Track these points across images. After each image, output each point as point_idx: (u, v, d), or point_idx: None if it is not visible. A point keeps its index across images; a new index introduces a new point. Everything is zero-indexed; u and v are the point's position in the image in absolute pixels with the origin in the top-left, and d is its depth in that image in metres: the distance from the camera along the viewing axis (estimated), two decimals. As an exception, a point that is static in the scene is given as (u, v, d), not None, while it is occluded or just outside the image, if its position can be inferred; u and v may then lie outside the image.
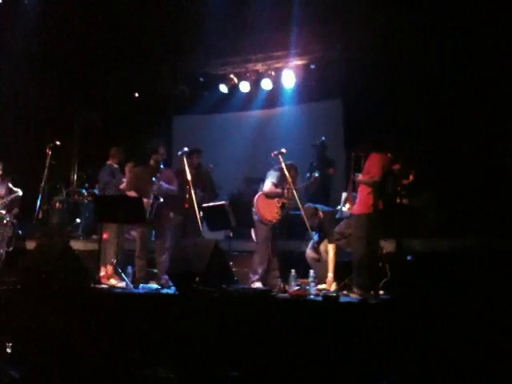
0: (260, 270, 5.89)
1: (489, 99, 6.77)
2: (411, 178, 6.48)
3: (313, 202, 6.16)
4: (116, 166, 6.70)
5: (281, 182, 6.05)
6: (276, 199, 6.00)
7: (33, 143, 8.01)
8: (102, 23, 8.36)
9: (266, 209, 6.00)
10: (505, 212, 6.12)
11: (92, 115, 9.90)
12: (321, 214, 5.93)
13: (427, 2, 6.78)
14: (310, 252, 6.00)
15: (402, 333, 3.87)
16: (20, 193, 7.27)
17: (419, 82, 7.27)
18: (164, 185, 6.07)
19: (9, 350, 4.54)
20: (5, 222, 7.34)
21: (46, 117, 9.14)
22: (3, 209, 7.14)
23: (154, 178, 6.00)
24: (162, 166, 6.16)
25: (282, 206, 5.97)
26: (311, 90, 8.90)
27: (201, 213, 6.09)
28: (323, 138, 7.60)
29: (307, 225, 5.73)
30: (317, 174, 6.31)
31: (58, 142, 6.51)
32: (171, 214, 6.19)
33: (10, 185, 7.28)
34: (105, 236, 6.28)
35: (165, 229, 6.10)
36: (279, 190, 6.02)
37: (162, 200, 5.93)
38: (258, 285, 5.80)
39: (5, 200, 7.18)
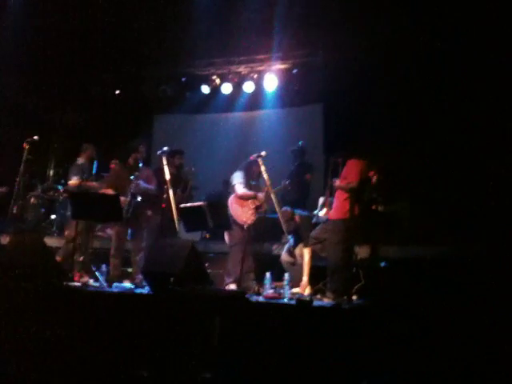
0: (234, 272, 5.91)
1: (469, 104, 6.84)
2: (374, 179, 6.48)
3: (290, 206, 6.19)
4: (84, 162, 6.60)
5: (247, 180, 6.11)
6: (250, 201, 6.03)
7: (10, 138, 7.89)
8: (85, 23, 8.28)
9: (240, 210, 6.02)
10: (478, 219, 6.22)
11: (71, 114, 9.82)
12: (297, 218, 5.97)
13: (410, 7, 6.83)
14: (285, 255, 6.02)
15: (375, 337, 3.90)
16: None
17: (400, 88, 7.35)
18: (142, 183, 6.05)
19: None
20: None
21: (24, 112, 9.03)
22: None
23: (132, 177, 5.98)
24: (140, 165, 6.14)
25: (257, 208, 6.00)
26: (293, 95, 8.95)
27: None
28: (300, 143, 7.62)
29: (283, 228, 5.76)
30: (287, 182, 6.33)
31: (35, 137, 6.43)
32: (149, 213, 6.17)
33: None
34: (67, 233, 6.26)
35: (142, 228, 6.08)
36: (251, 193, 6.05)
37: (139, 199, 5.91)
38: (232, 287, 5.81)
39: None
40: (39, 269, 5.22)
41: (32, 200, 7.95)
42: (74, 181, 6.40)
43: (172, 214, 5.89)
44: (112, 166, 6.50)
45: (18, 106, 8.99)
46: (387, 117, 7.30)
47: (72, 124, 10.01)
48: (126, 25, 8.28)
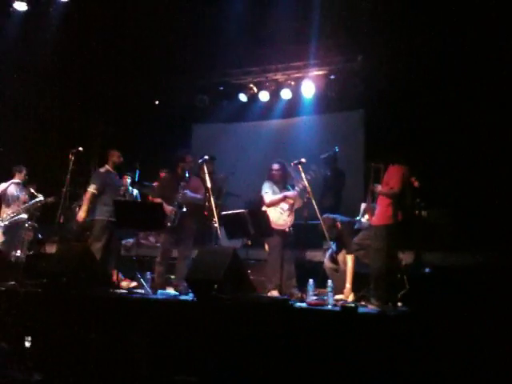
0: (274, 279, 5.92)
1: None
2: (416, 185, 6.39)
3: (329, 212, 6.18)
4: (111, 169, 6.66)
5: (274, 186, 6.19)
6: (282, 204, 6.02)
7: (55, 149, 8.12)
8: (122, 35, 8.49)
9: (276, 216, 6.06)
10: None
11: (108, 127, 10.04)
12: (339, 224, 5.94)
13: (450, 13, 6.75)
14: (327, 262, 6.00)
15: (421, 345, 3.84)
16: (41, 198, 7.38)
17: (442, 93, 7.25)
18: (189, 193, 6.11)
19: (27, 344, 4.59)
20: (26, 225, 7.47)
21: (67, 124, 9.27)
22: (25, 213, 7.26)
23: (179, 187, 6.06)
24: (187, 175, 6.20)
25: (291, 206, 6.05)
26: (331, 101, 8.92)
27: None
28: (336, 149, 7.57)
29: (325, 235, 5.74)
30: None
31: (80, 148, 6.60)
32: (193, 221, 6.24)
33: (32, 190, 7.40)
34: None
35: (187, 237, 6.14)
36: (278, 197, 6.12)
37: (185, 209, 5.97)
38: (274, 293, 5.81)
39: (27, 205, 7.30)
40: (85, 276, 5.34)
41: (77, 209, 8.12)
42: (91, 189, 6.44)
43: (214, 222, 5.96)
44: (161, 175, 6.59)
45: (60, 119, 9.24)
46: (429, 122, 7.21)
47: (111, 135, 10.22)
48: (163, 36, 8.43)
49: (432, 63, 7.28)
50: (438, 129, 7.25)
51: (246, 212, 5.88)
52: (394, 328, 4.07)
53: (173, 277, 6.19)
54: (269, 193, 6.21)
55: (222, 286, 4.85)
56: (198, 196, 6.23)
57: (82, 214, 6.30)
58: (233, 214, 6.09)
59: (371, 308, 4.89)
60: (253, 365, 4.14)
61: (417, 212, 5.87)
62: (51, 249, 7.47)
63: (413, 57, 7.41)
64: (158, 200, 6.13)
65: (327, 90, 8.75)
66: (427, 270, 5.43)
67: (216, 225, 6.10)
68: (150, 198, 6.30)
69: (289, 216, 6.05)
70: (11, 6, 7.78)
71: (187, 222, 6.12)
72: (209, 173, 6.76)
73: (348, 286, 5.59)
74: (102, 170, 6.62)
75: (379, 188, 5.29)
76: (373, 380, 3.83)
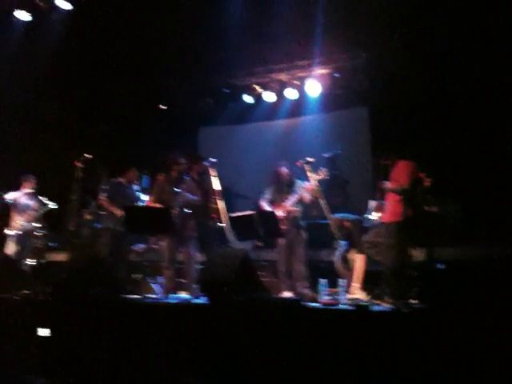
0: (283, 279, 5.92)
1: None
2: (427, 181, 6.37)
3: (336, 210, 6.16)
4: (124, 183, 6.77)
5: (277, 195, 6.19)
6: (279, 209, 6.04)
7: (63, 157, 8.14)
8: (126, 39, 8.50)
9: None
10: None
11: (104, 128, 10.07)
12: (348, 223, 5.92)
13: (456, 8, 6.71)
14: (338, 262, 5.97)
15: (437, 342, 3.82)
16: (51, 205, 7.41)
17: (448, 88, 7.20)
18: (188, 195, 6.13)
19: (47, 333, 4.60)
20: (37, 234, 7.50)
21: (74, 131, 9.32)
22: (36, 222, 7.29)
23: (177, 189, 6.06)
24: (184, 177, 6.21)
25: (287, 215, 6.02)
26: (336, 99, 8.89)
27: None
28: (339, 151, 7.54)
29: (335, 234, 5.72)
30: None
31: (88, 156, 6.62)
32: (193, 224, 6.24)
33: (42, 198, 7.43)
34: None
35: (189, 238, 6.14)
36: (267, 208, 6.15)
37: (187, 211, 5.98)
38: (287, 294, 5.80)
39: (38, 213, 7.33)
40: (96, 283, 5.35)
41: (87, 216, 8.16)
42: (102, 198, 6.56)
43: (223, 224, 5.96)
44: (157, 179, 6.61)
45: (66, 125, 9.28)
46: (436, 116, 7.17)
47: (118, 141, 10.26)
48: (166, 40, 8.43)
49: (437, 59, 7.23)
50: (446, 123, 7.20)
51: (254, 213, 5.87)
52: (408, 325, 4.04)
53: (184, 280, 6.19)
54: (267, 199, 6.25)
55: (235, 288, 4.85)
56: (196, 197, 6.24)
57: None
58: (242, 215, 6.09)
59: (385, 306, 4.86)
60: (267, 366, 4.12)
61: (427, 208, 5.83)
62: (62, 256, 7.51)
63: (417, 52, 7.36)
64: (156, 205, 6.13)
65: (332, 88, 8.72)
66: (439, 265, 5.40)
67: (225, 227, 6.09)
68: (150, 202, 6.28)
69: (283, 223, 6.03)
70: (13, 16, 7.80)
71: (189, 224, 6.13)
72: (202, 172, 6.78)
73: (357, 285, 5.56)
74: (115, 180, 6.75)
75: (388, 185, 5.26)
76: (388, 378, 3.80)
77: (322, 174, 5.96)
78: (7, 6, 7.73)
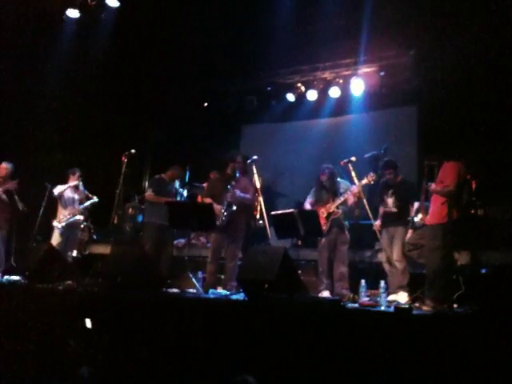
0: (323, 279, 5.87)
1: None
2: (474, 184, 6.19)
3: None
4: (166, 179, 6.94)
5: (319, 196, 6.18)
6: (321, 211, 5.97)
7: (108, 153, 8.34)
8: (172, 40, 8.63)
9: None
10: None
11: (162, 136, 10.26)
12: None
13: (508, 4, 6.49)
14: (384, 262, 5.89)
15: (478, 347, 3.71)
16: (96, 199, 7.58)
17: (500, 88, 6.96)
18: (238, 193, 6.14)
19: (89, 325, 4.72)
20: (82, 226, 7.69)
21: (119, 128, 9.51)
22: (81, 215, 7.47)
23: (229, 186, 6.10)
24: (237, 175, 6.23)
25: (328, 215, 5.98)
26: (381, 97, 8.76)
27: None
28: (382, 151, 7.41)
29: (378, 235, 5.65)
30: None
31: (132, 151, 6.74)
32: (243, 222, 6.27)
33: (87, 192, 7.61)
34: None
35: (236, 236, 6.17)
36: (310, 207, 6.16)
37: (234, 208, 6.00)
38: (325, 294, 5.76)
39: (83, 206, 7.51)
40: (139, 277, 5.43)
41: (130, 210, 8.32)
42: (148, 193, 6.77)
43: (264, 221, 5.96)
44: (210, 175, 6.67)
45: (112, 124, 9.48)
46: (485, 117, 6.95)
47: (162, 138, 10.42)
48: (209, 40, 8.51)
49: (489, 55, 7.00)
50: (497, 123, 6.97)
51: (295, 212, 5.85)
52: (449, 330, 3.94)
53: (223, 276, 6.23)
54: (310, 202, 6.29)
55: (274, 286, 4.84)
56: (248, 196, 6.24)
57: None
58: (282, 213, 6.07)
59: (426, 309, 4.76)
60: (304, 365, 4.10)
61: (473, 210, 5.68)
62: (106, 249, 7.67)
63: (468, 49, 7.14)
64: (208, 200, 6.20)
65: (377, 87, 8.59)
66: (484, 270, 5.25)
67: (266, 224, 6.09)
68: (200, 198, 6.37)
69: (324, 224, 5.99)
70: (64, 14, 8.02)
71: (237, 222, 6.14)
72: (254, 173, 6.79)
73: (400, 286, 5.47)
74: (157, 176, 6.99)
75: (433, 186, 5.14)
76: (426, 382, 3.73)
77: (370, 178, 5.91)
78: (59, 5, 7.95)
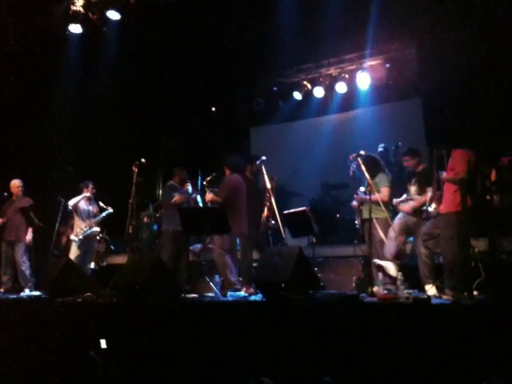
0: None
1: None
2: (493, 176, 6.12)
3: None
4: (176, 184, 6.94)
5: None
6: None
7: (119, 163, 8.40)
8: (177, 47, 8.68)
9: None
10: None
11: (173, 143, 10.31)
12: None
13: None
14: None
15: (500, 335, 3.67)
16: (111, 210, 7.63)
17: (503, 77, 6.88)
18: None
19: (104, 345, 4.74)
20: (98, 238, 7.75)
21: (130, 138, 9.58)
22: (97, 226, 7.53)
23: None
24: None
25: None
26: (388, 90, 8.73)
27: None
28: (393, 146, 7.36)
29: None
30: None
31: (143, 160, 6.79)
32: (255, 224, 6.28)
33: (101, 203, 7.67)
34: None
35: (250, 238, 6.17)
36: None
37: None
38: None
39: (98, 218, 7.56)
40: (157, 285, 5.45)
41: (145, 219, 8.36)
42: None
43: (277, 222, 5.96)
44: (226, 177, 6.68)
45: (123, 134, 9.56)
46: (491, 106, 6.87)
47: (174, 145, 10.49)
48: (216, 44, 8.53)
49: (492, 46, 6.92)
50: (502, 111, 6.88)
51: (308, 209, 5.85)
52: (470, 318, 3.90)
53: (240, 279, 6.24)
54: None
55: (291, 285, 4.84)
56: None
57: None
58: (295, 212, 6.07)
59: (445, 298, 4.72)
60: (328, 362, 4.09)
61: (488, 197, 5.61)
62: (124, 260, 7.72)
63: (472, 40, 7.07)
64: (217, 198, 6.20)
65: (383, 80, 8.55)
66: (503, 256, 5.20)
67: (278, 224, 6.09)
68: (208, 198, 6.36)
69: None
70: (67, 30, 8.10)
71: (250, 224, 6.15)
72: (256, 172, 6.80)
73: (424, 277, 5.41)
74: (169, 183, 7.00)
75: (444, 175, 5.10)
76: (448, 372, 3.69)
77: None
78: (62, 20, 8.04)
